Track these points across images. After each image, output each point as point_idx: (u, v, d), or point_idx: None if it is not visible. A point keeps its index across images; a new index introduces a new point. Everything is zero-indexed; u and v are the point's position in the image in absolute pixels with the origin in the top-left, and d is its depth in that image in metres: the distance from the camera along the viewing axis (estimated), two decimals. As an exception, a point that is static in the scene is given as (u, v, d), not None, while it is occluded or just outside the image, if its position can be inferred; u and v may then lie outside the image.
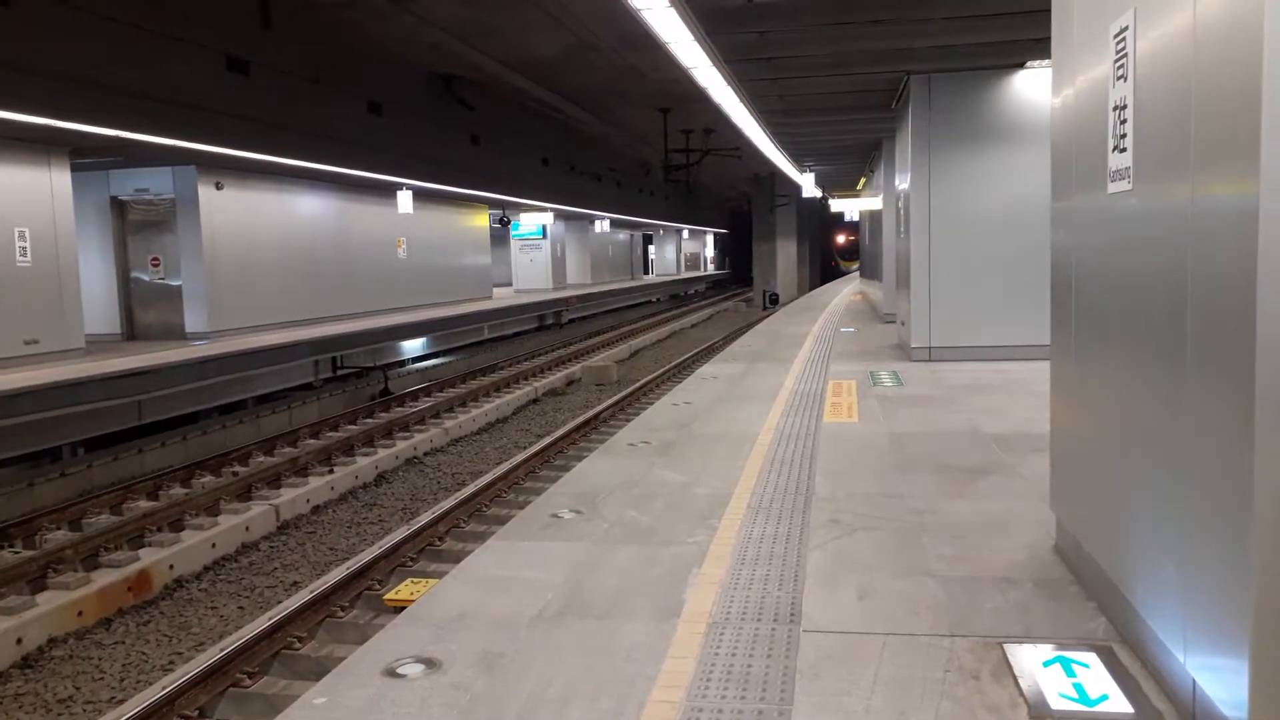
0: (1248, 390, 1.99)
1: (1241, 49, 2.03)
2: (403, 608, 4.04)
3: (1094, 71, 3.11)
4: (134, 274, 14.80)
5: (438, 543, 7.79)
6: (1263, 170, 1.94)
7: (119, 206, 14.61)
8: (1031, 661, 2.82)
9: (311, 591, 6.55)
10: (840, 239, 57.58)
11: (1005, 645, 2.94)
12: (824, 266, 59.54)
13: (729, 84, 9.93)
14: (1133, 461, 2.80)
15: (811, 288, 40.85)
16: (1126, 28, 2.76)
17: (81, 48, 9.46)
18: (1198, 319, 2.29)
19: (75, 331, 12.29)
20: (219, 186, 14.56)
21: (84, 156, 12.49)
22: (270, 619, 6.05)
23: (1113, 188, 2.92)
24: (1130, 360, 2.85)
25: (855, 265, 52.23)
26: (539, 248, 29.54)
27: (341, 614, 6.42)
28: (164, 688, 5.13)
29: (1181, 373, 2.38)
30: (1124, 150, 2.80)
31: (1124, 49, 2.78)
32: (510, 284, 30.18)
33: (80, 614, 6.49)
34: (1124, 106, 2.80)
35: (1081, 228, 3.35)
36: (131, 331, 14.76)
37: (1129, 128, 2.76)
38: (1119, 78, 2.84)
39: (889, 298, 14.82)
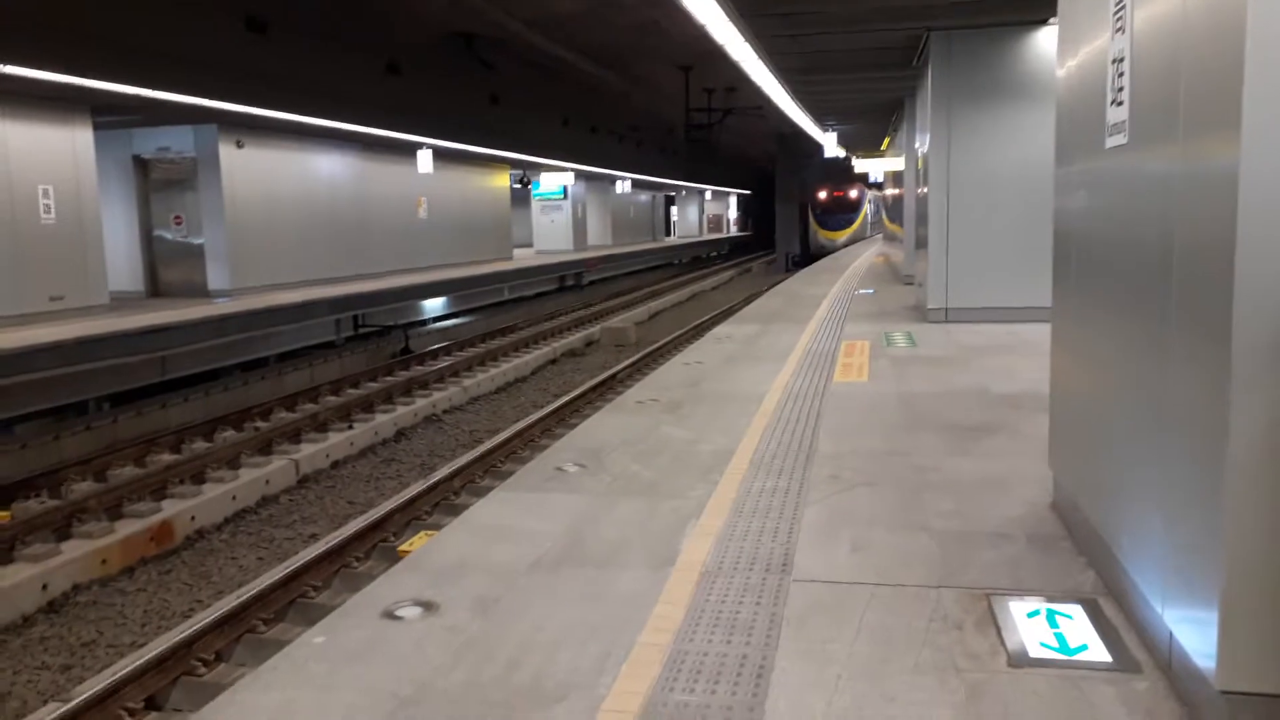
0: (1225, 349, 2.00)
1: (1227, 13, 2.02)
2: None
3: (1096, 25, 3.07)
4: (157, 232, 14.95)
5: (453, 497, 7.92)
6: (1243, 135, 1.93)
7: (141, 165, 14.73)
8: (1016, 613, 2.86)
9: (328, 543, 6.69)
10: (823, 193, 38.52)
11: (992, 597, 2.98)
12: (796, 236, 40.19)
13: (746, 40, 9.83)
14: (1122, 418, 2.81)
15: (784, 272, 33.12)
16: (1126, -21, 2.73)
17: (102, 7, 9.50)
18: (1182, 277, 2.29)
19: (99, 288, 12.47)
20: (240, 145, 14.64)
21: (106, 115, 12.59)
22: (287, 569, 6.20)
23: (1110, 142, 2.90)
24: (1121, 318, 2.85)
25: (845, 235, 37.62)
26: (560, 208, 29.47)
27: (357, 565, 6.56)
28: (182, 632, 5.29)
29: (1167, 330, 2.38)
30: (1121, 104, 2.78)
31: (1122, 1, 2.75)
32: (531, 245, 30.18)
33: (104, 562, 6.67)
34: (1122, 60, 2.77)
35: (1081, 186, 3.33)
36: (155, 289, 14.95)
37: (1126, 81, 2.74)
38: (1118, 30, 2.81)
39: (909, 259, 14.72)
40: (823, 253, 34.65)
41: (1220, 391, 2.02)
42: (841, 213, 38.84)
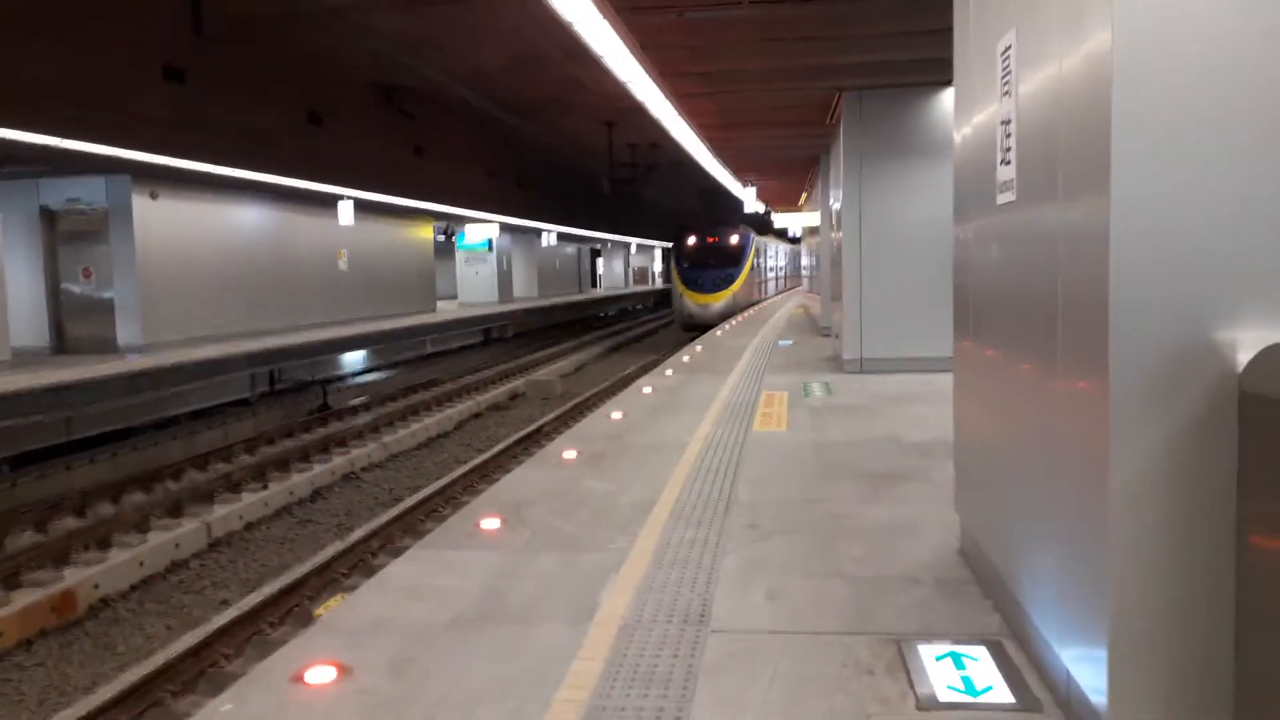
0: (1103, 393, 2.11)
1: (1095, 84, 2.17)
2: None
3: (987, 88, 3.25)
4: (64, 285, 14.48)
5: (370, 558, 7.75)
6: (1112, 195, 2.07)
7: (49, 216, 14.29)
8: (926, 657, 2.92)
9: (240, 609, 6.48)
10: (690, 239, 28.02)
11: (902, 642, 3.04)
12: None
13: (666, 98, 10.06)
14: (1016, 463, 2.93)
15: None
16: (1010, 46, 2.91)
17: (8, 52, 9.29)
18: (1066, 326, 2.42)
19: (0, 344, 11.98)
20: (154, 196, 14.33)
21: (11, 165, 12.23)
22: (197, 636, 5.97)
23: (1000, 199, 3.06)
24: (1014, 366, 2.99)
25: (721, 300, 26.55)
26: (485, 261, 29.45)
27: (270, 630, 6.36)
28: (84, 708, 5.04)
29: (1054, 377, 2.50)
30: (1009, 163, 2.94)
31: (1008, 66, 2.93)
32: (456, 297, 30.02)
33: (0, 635, 6.34)
34: (1009, 121, 2.94)
35: (976, 241, 3.49)
36: (61, 344, 14.43)
37: (1013, 142, 2.90)
38: (1005, 93, 2.98)
39: (825, 310, 15.06)
40: (693, 324, 26.10)
41: (1099, 433, 2.13)
42: (716, 267, 27.21)
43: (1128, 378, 2.08)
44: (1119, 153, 2.06)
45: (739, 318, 22.87)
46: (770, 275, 35.74)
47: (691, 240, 27.76)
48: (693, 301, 26.77)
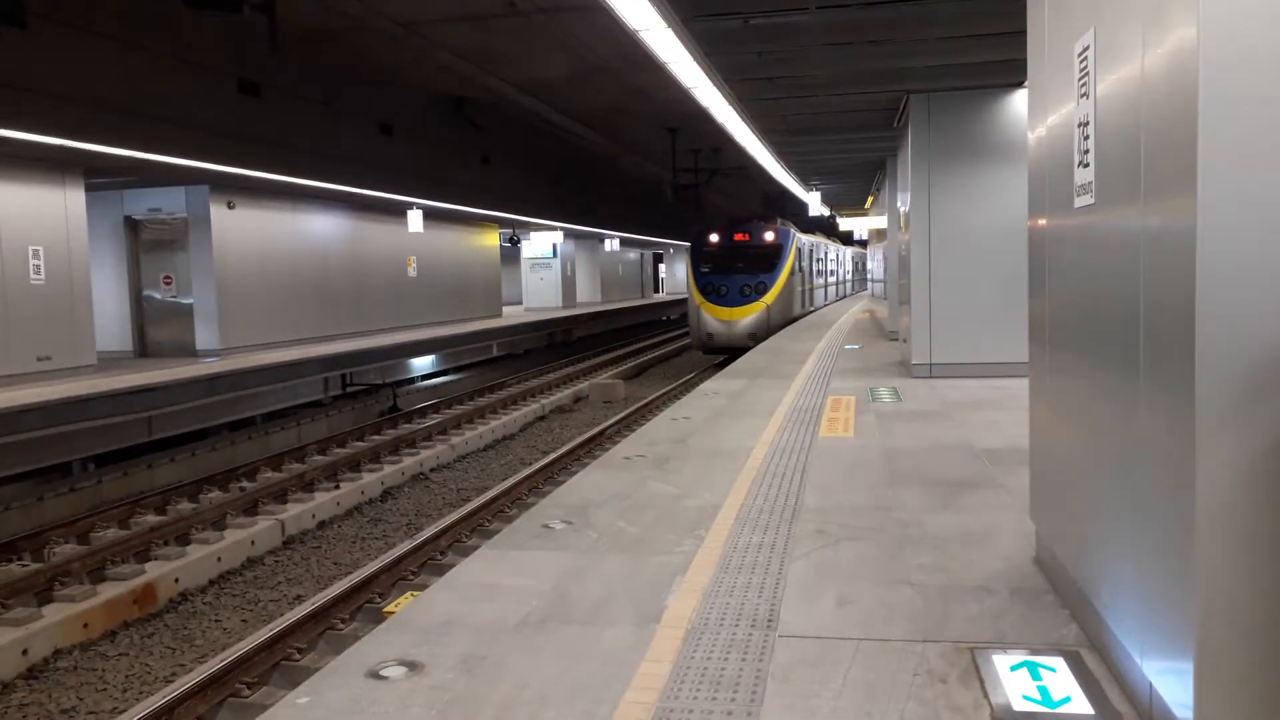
0: (1189, 400, 2.06)
1: (1181, 81, 2.11)
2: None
3: (1063, 89, 3.19)
4: (146, 292, 15.02)
5: (439, 556, 7.88)
6: (1199, 196, 2.01)
7: (132, 226, 14.85)
8: (1000, 666, 2.87)
9: (313, 604, 6.63)
10: (713, 237, 21.81)
11: (976, 651, 2.99)
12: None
13: (730, 104, 10.06)
14: (1096, 471, 2.86)
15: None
16: (1088, 46, 2.85)
17: (95, 71, 9.68)
18: (1149, 331, 2.36)
19: (87, 348, 12.48)
20: (231, 206, 14.79)
21: (98, 177, 12.73)
22: (271, 630, 6.13)
23: (1078, 202, 2.99)
24: (1093, 371, 2.92)
25: (748, 315, 20.57)
26: (549, 266, 29.78)
27: (342, 626, 6.50)
28: (164, 697, 5.22)
29: (1135, 383, 2.45)
30: (1087, 165, 2.88)
31: (1086, 67, 2.87)
32: (521, 302, 30.39)
33: (86, 626, 6.59)
34: (1087, 123, 2.88)
35: (1053, 244, 3.43)
36: (144, 349, 14.97)
37: (1091, 144, 2.84)
38: (1082, 95, 2.92)
39: (893, 315, 14.86)
40: (713, 346, 21.08)
41: (1186, 442, 2.08)
42: (744, 273, 21.14)
43: (1215, 384, 2.02)
44: (1206, 152, 2.01)
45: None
46: (819, 282, 28.80)
47: (713, 238, 21.74)
48: (713, 317, 20.83)
